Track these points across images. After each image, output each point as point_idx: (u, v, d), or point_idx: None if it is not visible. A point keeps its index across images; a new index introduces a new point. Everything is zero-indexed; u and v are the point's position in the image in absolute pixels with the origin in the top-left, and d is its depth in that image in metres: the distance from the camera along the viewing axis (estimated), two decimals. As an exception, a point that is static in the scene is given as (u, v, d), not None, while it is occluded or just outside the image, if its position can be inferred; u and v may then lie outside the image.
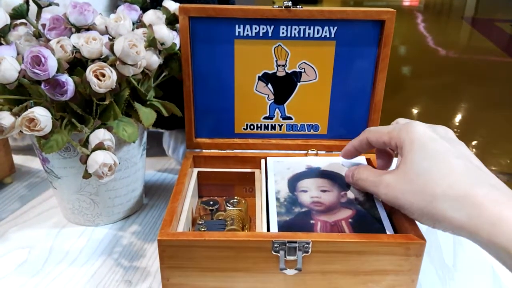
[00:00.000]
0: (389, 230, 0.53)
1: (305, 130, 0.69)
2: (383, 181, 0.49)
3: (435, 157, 0.45)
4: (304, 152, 0.69)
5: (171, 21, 0.64)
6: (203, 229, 0.58)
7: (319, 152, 0.69)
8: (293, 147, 0.70)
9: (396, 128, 0.50)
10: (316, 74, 0.65)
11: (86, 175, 0.50)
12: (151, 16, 0.60)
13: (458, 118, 3.27)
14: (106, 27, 0.58)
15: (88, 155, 0.49)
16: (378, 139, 0.52)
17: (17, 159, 0.84)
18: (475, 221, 0.41)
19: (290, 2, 0.60)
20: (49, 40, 0.55)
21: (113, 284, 0.55)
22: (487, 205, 0.40)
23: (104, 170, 0.48)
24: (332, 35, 0.63)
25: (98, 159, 0.48)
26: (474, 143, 2.85)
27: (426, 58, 4.86)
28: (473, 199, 0.41)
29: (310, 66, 0.65)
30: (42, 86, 0.48)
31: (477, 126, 3.10)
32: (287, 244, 0.48)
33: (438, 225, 0.45)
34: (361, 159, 0.66)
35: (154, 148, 0.88)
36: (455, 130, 3.03)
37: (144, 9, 0.66)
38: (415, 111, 3.35)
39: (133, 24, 0.61)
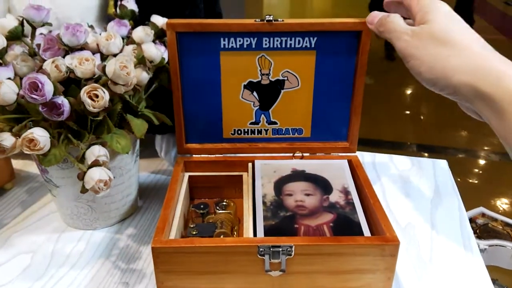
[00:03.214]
0: (366, 233, 0.57)
1: (289, 134, 0.73)
2: (409, 31, 0.50)
3: (459, 23, 0.48)
4: (290, 154, 0.73)
5: (160, 35, 0.67)
6: (194, 232, 0.63)
7: (304, 154, 0.73)
8: (278, 150, 0.73)
9: None
10: (298, 81, 0.69)
11: (84, 190, 0.53)
12: (140, 33, 0.63)
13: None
14: (97, 44, 0.61)
15: (85, 172, 0.53)
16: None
17: (16, 164, 0.87)
18: (481, 71, 0.44)
19: (272, 16, 0.63)
20: (44, 60, 0.58)
21: (112, 286, 0.60)
22: (494, 62, 0.44)
23: (100, 186, 0.52)
24: (312, 45, 0.66)
25: (94, 176, 0.52)
26: (465, 123, 2.89)
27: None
28: (485, 57, 0.45)
29: (293, 74, 0.68)
30: (40, 108, 0.52)
31: (468, 108, 3.13)
32: (271, 249, 0.52)
33: (442, 81, 0.47)
34: (343, 162, 0.70)
35: (147, 150, 0.91)
36: (446, 111, 3.06)
37: (134, 21, 0.69)
38: (407, 91, 3.38)
39: (123, 39, 0.64)
